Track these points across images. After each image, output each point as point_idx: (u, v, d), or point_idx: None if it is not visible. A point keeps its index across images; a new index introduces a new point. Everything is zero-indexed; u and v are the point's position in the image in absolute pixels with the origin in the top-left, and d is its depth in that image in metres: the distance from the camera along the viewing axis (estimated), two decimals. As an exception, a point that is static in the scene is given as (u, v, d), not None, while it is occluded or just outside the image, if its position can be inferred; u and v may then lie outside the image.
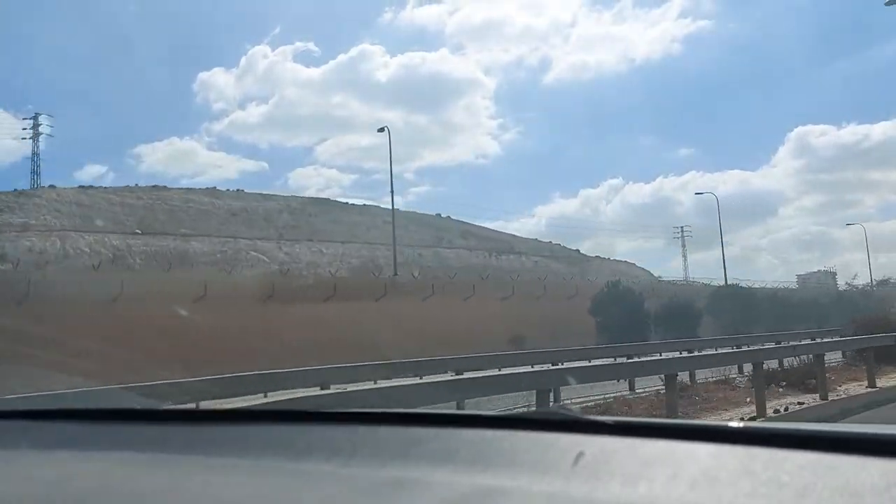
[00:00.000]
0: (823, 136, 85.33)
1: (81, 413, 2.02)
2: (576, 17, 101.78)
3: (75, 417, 1.99)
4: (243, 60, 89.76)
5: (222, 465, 1.48)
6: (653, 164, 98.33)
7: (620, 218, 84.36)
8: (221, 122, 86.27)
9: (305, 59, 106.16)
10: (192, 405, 8.02)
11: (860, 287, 34.74)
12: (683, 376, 14.20)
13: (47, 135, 61.20)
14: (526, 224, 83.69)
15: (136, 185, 62.59)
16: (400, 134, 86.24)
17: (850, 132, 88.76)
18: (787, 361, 16.54)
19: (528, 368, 14.69)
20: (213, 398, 10.74)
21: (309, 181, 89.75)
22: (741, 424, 1.37)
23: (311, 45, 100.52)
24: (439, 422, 1.59)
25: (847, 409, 12.65)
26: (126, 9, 72.47)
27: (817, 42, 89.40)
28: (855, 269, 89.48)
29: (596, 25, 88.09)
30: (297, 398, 8.50)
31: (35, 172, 56.21)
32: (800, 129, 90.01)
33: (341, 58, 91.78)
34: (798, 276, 77.00)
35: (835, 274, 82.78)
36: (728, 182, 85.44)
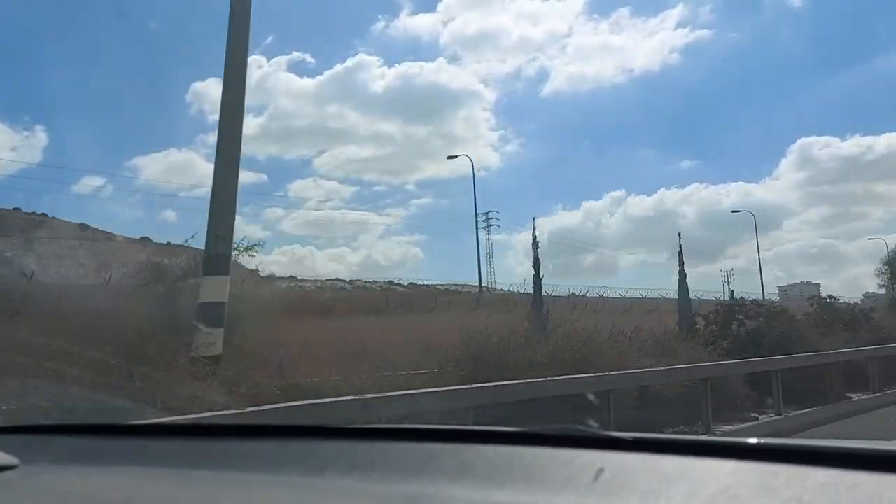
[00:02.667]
0: (827, 147, 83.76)
1: (102, 428, 2.04)
2: (572, 27, 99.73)
3: (96, 432, 2.01)
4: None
5: (241, 480, 1.48)
6: (655, 176, 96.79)
7: (623, 230, 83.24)
8: (217, 134, 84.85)
9: (300, 69, 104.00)
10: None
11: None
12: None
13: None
14: (528, 236, 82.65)
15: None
16: (399, 145, 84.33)
17: (854, 144, 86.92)
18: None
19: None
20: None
21: (309, 193, 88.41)
22: (761, 441, 1.36)
23: (305, 55, 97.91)
24: (457, 437, 1.59)
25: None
26: (116, 17, 71.75)
27: (818, 52, 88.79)
28: (863, 282, 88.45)
29: (593, 36, 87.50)
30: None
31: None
32: (803, 141, 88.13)
33: (337, 68, 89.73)
34: (779, 287, 76.69)
35: (819, 285, 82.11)
36: (731, 194, 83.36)
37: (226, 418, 5.81)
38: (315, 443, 1.72)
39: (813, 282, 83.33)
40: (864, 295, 70.84)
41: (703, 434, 10.63)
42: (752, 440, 1.36)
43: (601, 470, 1.26)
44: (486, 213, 64.15)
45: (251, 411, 6.10)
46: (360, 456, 1.52)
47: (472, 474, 1.35)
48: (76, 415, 6.48)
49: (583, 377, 9.38)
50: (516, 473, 1.35)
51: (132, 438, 1.93)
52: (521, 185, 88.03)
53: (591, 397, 8.32)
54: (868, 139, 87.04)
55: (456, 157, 54.70)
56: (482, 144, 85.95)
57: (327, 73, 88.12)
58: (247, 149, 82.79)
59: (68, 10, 65.76)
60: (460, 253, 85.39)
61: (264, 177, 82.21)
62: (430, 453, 1.49)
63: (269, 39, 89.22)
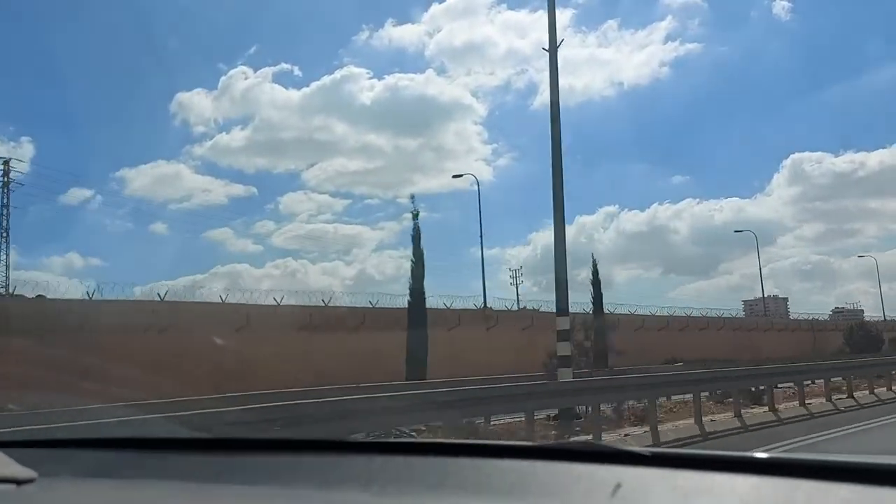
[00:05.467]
0: (819, 163, 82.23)
1: (120, 442, 2.05)
2: (559, 39, 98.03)
3: (114, 446, 2.02)
4: (222, 81, 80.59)
5: (259, 494, 1.48)
6: (647, 191, 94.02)
7: (616, 246, 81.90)
8: (203, 146, 76.49)
9: (285, 80, 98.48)
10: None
11: None
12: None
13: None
14: (522, 251, 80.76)
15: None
16: (389, 158, 79.07)
17: (847, 160, 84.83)
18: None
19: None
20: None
21: (300, 206, 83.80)
22: (782, 455, 1.34)
23: (289, 66, 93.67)
24: (475, 452, 1.58)
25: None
26: (101, 25, 70.12)
27: (809, 67, 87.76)
28: (857, 299, 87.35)
29: (580, 48, 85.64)
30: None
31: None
32: (795, 156, 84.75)
33: (324, 79, 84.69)
34: (744, 301, 75.62)
35: (786, 300, 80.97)
36: (724, 210, 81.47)
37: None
38: (333, 457, 1.72)
39: (781, 296, 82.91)
40: (832, 310, 70.48)
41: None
42: (773, 455, 1.34)
43: (619, 485, 1.25)
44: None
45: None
46: (378, 470, 1.51)
47: (489, 489, 1.35)
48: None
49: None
50: (534, 488, 1.34)
51: (150, 452, 1.94)
52: (514, 199, 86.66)
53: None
54: (860, 155, 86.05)
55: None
56: (474, 158, 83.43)
57: (314, 85, 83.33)
58: (234, 161, 77.85)
59: (50, 20, 65.26)
60: (456, 267, 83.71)
61: (254, 190, 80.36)
62: (447, 468, 1.48)
63: (253, 49, 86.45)
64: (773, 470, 1.26)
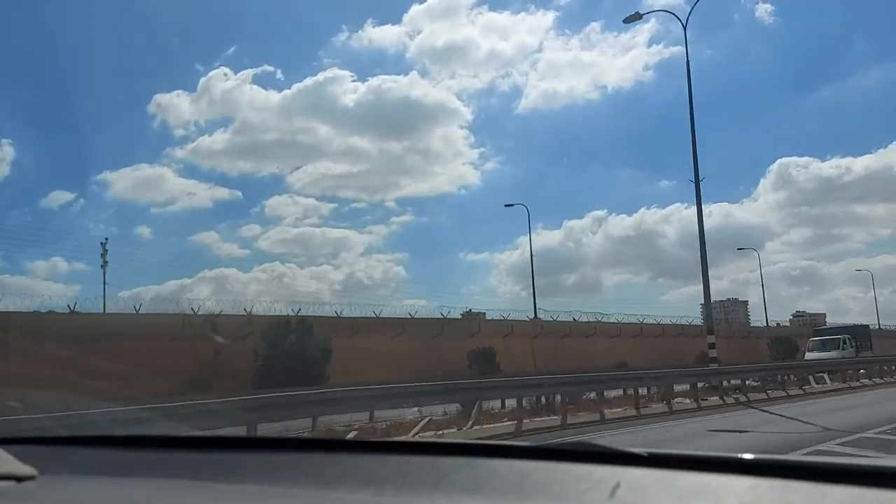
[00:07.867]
0: (805, 168, 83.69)
1: (120, 440, 2.05)
2: (542, 42, 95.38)
3: (114, 444, 2.02)
4: (201, 82, 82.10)
5: (257, 493, 1.49)
6: (635, 196, 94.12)
7: (604, 250, 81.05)
8: (185, 149, 76.56)
9: (266, 81, 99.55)
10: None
11: None
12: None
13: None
14: (511, 256, 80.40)
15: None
16: (375, 161, 79.79)
17: (833, 165, 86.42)
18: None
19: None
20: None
21: (286, 210, 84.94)
22: (780, 457, 1.35)
23: (271, 67, 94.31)
24: (472, 452, 1.58)
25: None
26: (77, 25, 68.82)
27: (794, 70, 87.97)
28: (846, 304, 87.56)
29: (563, 51, 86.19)
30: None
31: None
32: (781, 161, 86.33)
33: (306, 81, 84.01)
34: (701, 304, 75.06)
35: (746, 303, 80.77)
36: (713, 214, 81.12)
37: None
38: (331, 456, 1.73)
39: (741, 299, 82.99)
40: (792, 315, 70.50)
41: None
42: (770, 456, 1.34)
43: (618, 485, 1.26)
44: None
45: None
46: (376, 470, 1.52)
47: (486, 489, 1.35)
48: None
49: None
50: (531, 488, 1.35)
51: (150, 450, 1.95)
52: (502, 204, 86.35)
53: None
54: (846, 161, 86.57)
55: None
56: (462, 162, 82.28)
57: (295, 87, 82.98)
58: (217, 164, 76.22)
59: (29, 22, 64.25)
60: (444, 271, 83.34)
61: (239, 194, 78.24)
62: (444, 468, 1.49)
63: (231, 50, 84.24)
64: (770, 471, 1.26)
